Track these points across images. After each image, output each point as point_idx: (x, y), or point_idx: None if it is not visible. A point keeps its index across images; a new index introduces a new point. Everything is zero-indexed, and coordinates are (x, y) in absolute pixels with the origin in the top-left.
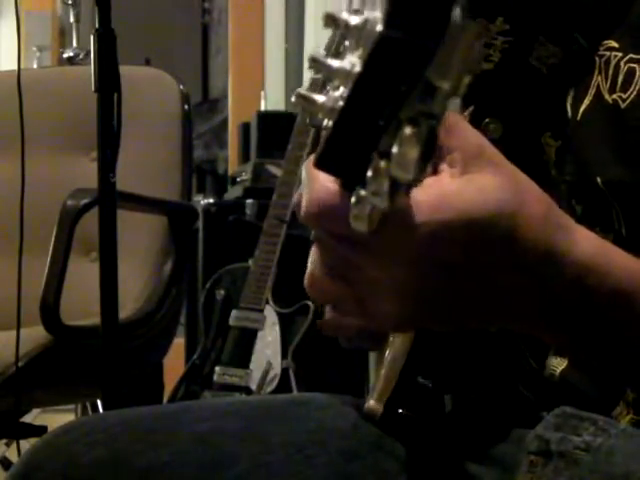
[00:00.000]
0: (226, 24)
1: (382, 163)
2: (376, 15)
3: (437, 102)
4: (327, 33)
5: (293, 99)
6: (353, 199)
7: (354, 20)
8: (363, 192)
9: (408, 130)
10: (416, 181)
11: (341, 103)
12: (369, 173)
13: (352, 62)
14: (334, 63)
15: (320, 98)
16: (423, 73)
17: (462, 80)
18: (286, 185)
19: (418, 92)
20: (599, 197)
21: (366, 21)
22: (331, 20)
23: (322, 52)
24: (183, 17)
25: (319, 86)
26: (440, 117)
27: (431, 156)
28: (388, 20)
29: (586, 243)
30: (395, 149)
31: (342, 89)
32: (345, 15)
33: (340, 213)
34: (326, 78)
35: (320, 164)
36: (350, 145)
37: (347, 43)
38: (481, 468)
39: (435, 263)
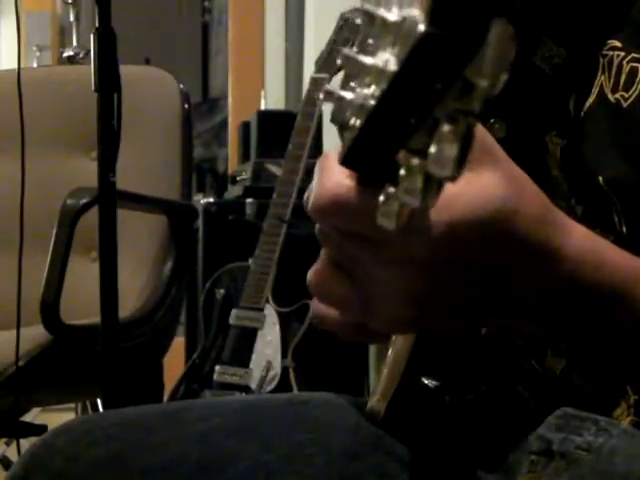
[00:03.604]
0: (226, 24)
1: (415, 161)
2: (414, 13)
3: (475, 100)
4: (327, 32)
5: (320, 96)
6: (382, 197)
7: (392, 17)
8: (392, 189)
9: (446, 128)
10: (454, 178)
11: (373, 102)
12: (402, 171)
13: (385, 59)
14: (366, 60)
15: (348, 95)
16: (463, 71)
17: (499, 77)
18: (286, 184)
19: (456, 90)
20: (600, 196)
21: (404, 19)
22: (367, 16)
23: (354, 50)
24: (183, 17)
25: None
26: (477, 115)
27: (468, 153)
28: (431, 18)
29: (581, 240)
30: (433, 147)
31: (374, 87)
32: (382, 12)
33: (353, 209)
34: (354, 74)
35: (346, 161)
36: (380, 143)
37: (372, 40)
38: (482, 468)
39: (441, 264)
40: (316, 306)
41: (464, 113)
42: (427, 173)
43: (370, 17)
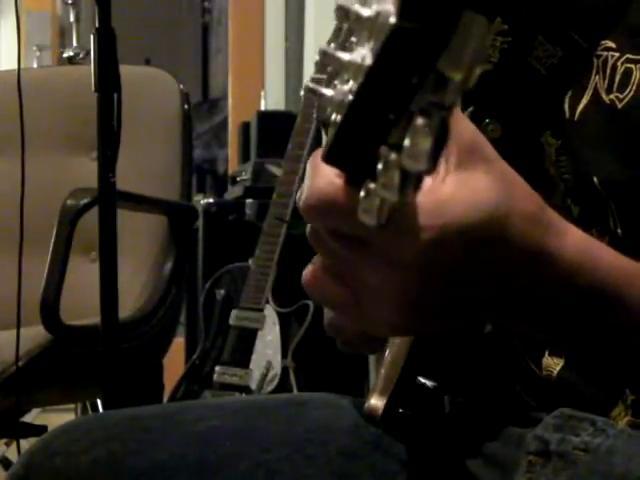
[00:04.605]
0: (226, 24)
1: (393, 155)
2: (388, 7)
3: (449, 93)
4: (327, 32)
5: (302, 93)
6: (362, 192)
7: (366, 12)
8: (372, 185)
9: (420, 121)
10: (428, 172)
11: (351, 97)
12: (379, 166)
13: (363, 55)
14: (344, 56)
15: (329, 92)
16: (435, 64)
17: (473, 71)
18: (286, 185)
19: (430, 83)
20: (596, 197)
21: (378, 13)
22: (343, 12)
23: (332, 46)
24: (183, 17)
25: (325, 82)
26: (451, 108)
27: (442, 147)
28: (402, 11)
29: (576, 242)
30: (407, 141)
31: (352, 83)
32: (357, 7)
33: (341, 208)
34: (335, 72)
35: (328, 158)
36: (360, 139)
37: (354, 37)
38: (480, 468)
39: (433, 268)
40: (326, 313)
41: (438, 106)
42: (403, 167)
43: (345, 13)
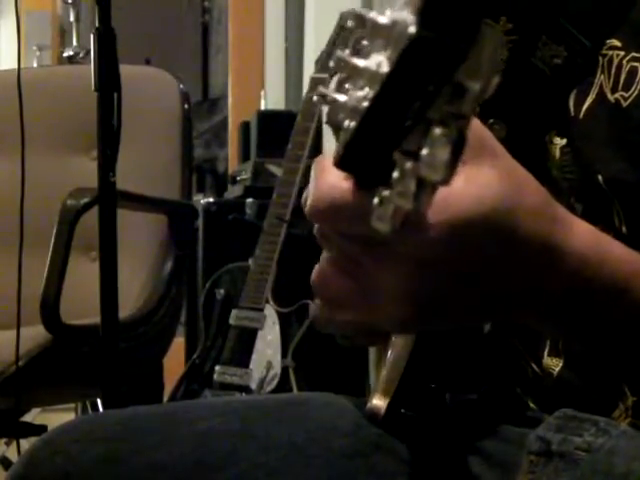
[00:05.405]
0: (226, 24)
1: (409, 164)
2: (405, 15)
3: (466, 103)
4: (327, 32)
5: (314, 98)
6: (376, 200)
7: (383, 20)
8: (386, 192)
9: (438, 131)
10: (445, 182)
11: (366, 103)
12: (395, 174)
13: (378, 61)
14: (359, 62)
15: (341, 97)
16: (454, 74)
17: (491, 81)
18: (286, 184)
19: (448, 93)
20: (600, 195)
21: (395, 21)
22: (359, 19)
23: (347, 52)
24: (183, 17)
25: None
26: (469, 118)
27: (460, 156)
28: (422, 20)
29: (583, 235)
30: (425, 150)
31: (367, 89)
32: (373, 15)
33: (352, 212)
34: (347, 77)
35: (341, 164)
36: (374, 145)
37: (366, 42)
38: (482, 468)
39: (439, 263)
40: (317, 308)
41: (456, 116)
42: (420, 176)
43: (361, 20)
